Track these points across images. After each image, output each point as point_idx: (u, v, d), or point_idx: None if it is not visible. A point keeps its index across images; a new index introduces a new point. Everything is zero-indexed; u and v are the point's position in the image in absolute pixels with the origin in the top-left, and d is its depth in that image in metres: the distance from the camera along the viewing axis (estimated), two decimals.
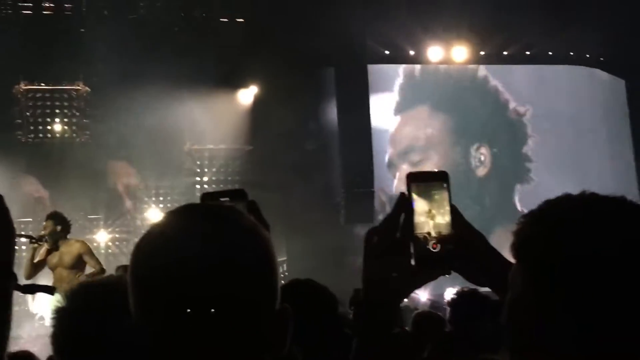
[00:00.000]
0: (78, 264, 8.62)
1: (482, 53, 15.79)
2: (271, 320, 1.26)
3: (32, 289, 8.08)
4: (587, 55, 16.55)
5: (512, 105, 16.45)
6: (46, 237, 8.46)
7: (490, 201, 15.77)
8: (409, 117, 15.94)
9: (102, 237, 14.27)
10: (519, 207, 15.72)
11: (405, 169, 15.36)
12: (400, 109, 15.95)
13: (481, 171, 16.13)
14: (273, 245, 1.30)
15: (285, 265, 14.85)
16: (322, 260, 12.61)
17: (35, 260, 8.51)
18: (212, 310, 1.19)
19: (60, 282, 8.46)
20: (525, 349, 1.29)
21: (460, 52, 15.51)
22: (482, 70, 16.29)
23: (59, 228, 8.61)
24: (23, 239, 8.58)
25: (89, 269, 8.73)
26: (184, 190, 14.90)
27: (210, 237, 1.24)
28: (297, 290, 2.80)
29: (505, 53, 15.89)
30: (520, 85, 16.49)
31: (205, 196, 1.50)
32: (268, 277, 1.27)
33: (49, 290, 8.26)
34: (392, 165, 15.66)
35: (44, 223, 8.71)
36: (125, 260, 14.17)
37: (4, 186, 13.82)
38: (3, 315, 1.55)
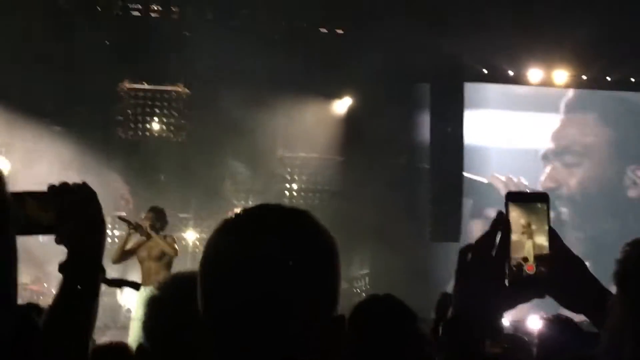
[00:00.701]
0: (164, 257, 8.75)
1: (584, 77, 15.39)
2: (324, 326, 1.26)
3: (119, 283, 8.27)
4: None
5: None
6: (145, 228, 8.62)
7: (633, 222, 15.36)
8: (575, 120, 16.04)
9: (190, 236, 14.58)
10: None
11: (557, 167, 15.84)
12: (569, 110, 16.02)
13: (632, 192, 15.91)
14: (337, 252, 1.31)
15: (367, 279, 14.83)
16: (405, 275, 12.53)
17: (127, 248, 8.66)
18: (264, 310, 1.21)
19: (149, 275, 8.62)
20: None
21: (561, 75, 15.16)
22: None
23: (157, 224, 8.79)
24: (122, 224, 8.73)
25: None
26: (273, 196, 15.05)
27: (272, 238, 1.26)
28: (375, 305, 2.78)
29: (608, 79, 15.42)
30: None
31: (510, 195, 1.46)
32: (328, 282, 1.28)
33: (135, 285, 8.46)
34: (545, 158, 15.92)
35: (145, 214, 8.92)
36: None
37: (99, 181, 14.32)
38: (90, 304, 1.64)
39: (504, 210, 1.43)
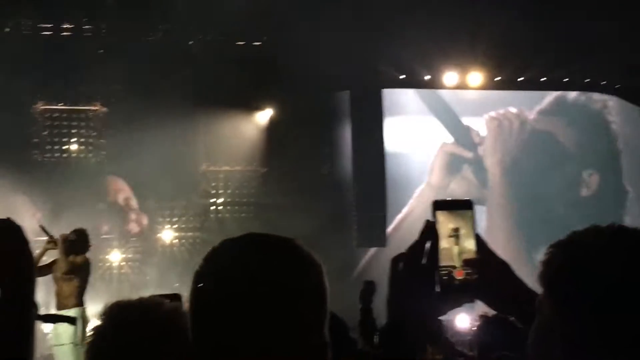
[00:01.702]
0: (73, 273, 8.56)
1: (498, 78, 15.80)
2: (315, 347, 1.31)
3: (54, 319, 8.02)
4: (603, 82, 16.50)
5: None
6: (65, 243, 8.46)
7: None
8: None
9: (115, 257, 14.30)
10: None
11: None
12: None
13: (584, 192, 16.33)
14: (324, 278, 1.40)
15: None
16: (333, 282, 12.58)
17: (40, 264, 8.33)
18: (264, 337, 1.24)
19: (61, 291, 8.47)
20: None
21: (476, 78, 15.53)
22: None
23: (77, 245, 8.67)
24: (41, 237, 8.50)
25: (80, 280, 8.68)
26: (199, 211, 14.94)
27: (263, 269, 1.31)
28: None
29: (520, 79, 15.88)
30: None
31: (436, 203, 1.48)
32: (317, 307, 1.34)
33: (70, 320, 8.23)
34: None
35: (69, 232, 8.73)
36: (137, 281, 14.22)
37: (15, 204, 13.92)
38: (27, 343, 1.61)
39: (432, 219, 1.46)
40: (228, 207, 15.20)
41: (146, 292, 1.40)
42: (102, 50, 13.84)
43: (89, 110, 14.48)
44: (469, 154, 15.95)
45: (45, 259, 8.65)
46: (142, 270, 14.25)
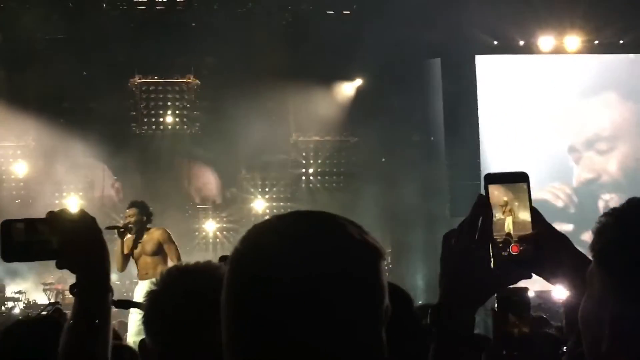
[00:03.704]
0: (160, 251, 8.43)
1: (597, 42, 15.20)
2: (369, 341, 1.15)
3: (127, 304, 8.14)
4: None
5: None
6: (130, 225, 8.28)
7: None
8: (596, 105, 15.59)
9: (210, 227, 14.63)
10: None
11: (590, 156, 15.44)
12: (585, 94, 15.59)
13: None
14: (381, 261, 1.18)
15: (390, 258, 14.81)
16: (426, 253, 12.51)
17: (126, 252, 8.34)
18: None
19: (145, 270, 8.50)
20: (599, 354, 1.23)
21: (573, 42, 14.99)
22: None
23: (144, 218, 8.45)
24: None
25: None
26: (290, 182, 15.09)
27: (308, 249, 1.13)
28: None
29: (621, 42, 15.22)
30: None
31: (488, 176, 1.42)
32: (368, 294, 1.15)
33: (142, 306, 8.33)
34: (574, 151, 15.51)
35: (128, 211, 8.51)
36: (231, 250, 14.62)
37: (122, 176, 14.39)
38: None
39: (484, 193, 1.41)
40: (319, 177, 15.28)
41: None
42: (194, 24, 14.05)
43: (182, 82, 14.76)
44: None
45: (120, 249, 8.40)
46: (236, 240, 14.50)
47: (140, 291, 8.46)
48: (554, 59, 15.35)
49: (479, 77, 14.84)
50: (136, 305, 2.10)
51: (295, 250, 1.13)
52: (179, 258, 8.48)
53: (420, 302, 8.84)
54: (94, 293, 1.69)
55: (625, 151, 15.51)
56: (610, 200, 15.20)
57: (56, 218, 1.68)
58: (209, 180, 15.09)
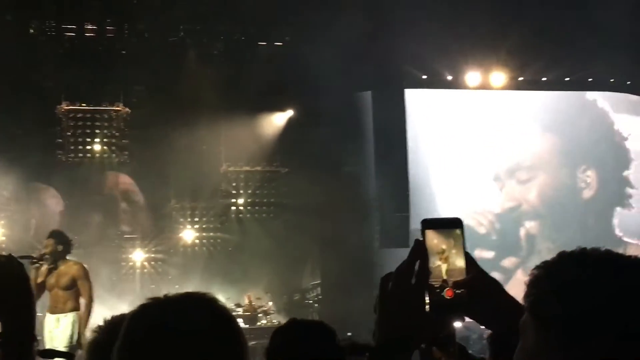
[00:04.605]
0: (73, 286, 8.31)
1: (521, 79, 15.69)
2: None
3: (52, 354, 7.94)
4: (629, 82, 16.34)
5: (616, 127, 16.61)
6: (46, 256, 8.18)
7: (594, 223, 15.97)
8: (518, 135, 16.19)
9: (138, 257, 14.39)
10: (617, 232, 16.06)
11: (512, 185, 16.01)
12: (509, 126, 16.20)
13: (586, 193, 16.32)
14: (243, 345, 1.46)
15: (319, 289, 14.82)
16: (356, 283, 12.56)
17: (38, 281, 8.13)
18: None
19: (55, 303, 8.30)
20: None
21: (499, 78, 15.43)
22: (591, 94, 16.56)
23: (60, 247, 8.33)
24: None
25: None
26: (220, 212, 14.99)
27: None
28: (292, 329, 2.79)
29: (544, 79, 15.76)
30: (624, 108, 16.61)
31: (425, 222, 1.49)
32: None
33: (68, 356, 8.15)
34: (498, 180, 16.06)
35: (45, 241, 8.41)
36: (159, 280, 14.27)
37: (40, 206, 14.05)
38: None
39: (420, 238, 1.46)
40: (249, 208, 15.23)
41: (171, 290, 1.44)
42: (124, 52, 13.92)
43: (111, 110, 14.56)
44: None
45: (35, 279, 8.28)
46: (164, 270, 14.33)
47: (49, 324, 8.27)
48: (481, 93, 15.80)
49: (408, 110, 15.10)
50: (63, 355, 2.06)
51: None
52: (91, 297, 8.35)
53: (349, 333, 8.86)
54: (18, 342, 1.65)
55: (545, 180, 16.06)
56: (530, 228, 15.71)
57: None
58: (137, 209, 14.85)
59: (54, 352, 2.13)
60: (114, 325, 1.87)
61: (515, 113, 16.31)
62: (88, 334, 7.71)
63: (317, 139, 13.68)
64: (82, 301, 8.45)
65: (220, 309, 1.43)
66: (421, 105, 15.73)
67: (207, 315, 1.40)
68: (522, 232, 15.72)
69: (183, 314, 1.38)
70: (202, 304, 1.43)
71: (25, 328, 1.67)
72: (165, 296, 1.45)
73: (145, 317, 1.41)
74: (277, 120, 15.12)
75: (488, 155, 15.98)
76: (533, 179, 16.11)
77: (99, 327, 1.89)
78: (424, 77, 15.37)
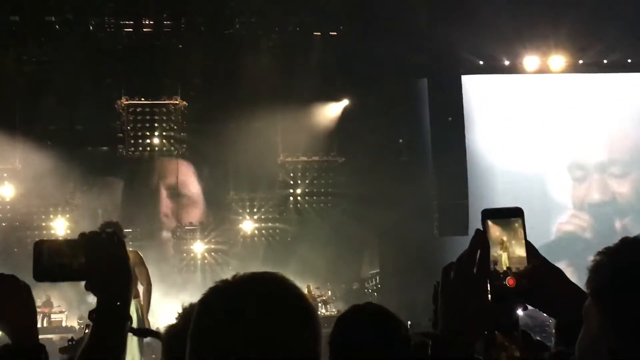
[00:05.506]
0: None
1: (581, 62, 15.34)
2: None
3: (145, 333, 8.09)
4: None
5: None
6: None
7: None
8: (611, 129, 15.78)
9: (198, 248, 14.58)
10: None
11: (604, 179, 15.71)
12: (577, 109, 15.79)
13: None
14: (317, 322, 1.41)
15: (377, 278, 14.81)
16: (414, 272, 12.50)
17: None
18: None
19: None
20: None
21: (558, 62, 15.12)
22: None
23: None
24: None
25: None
26: (278, 202, 15.08)
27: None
28: (355, 316, 2.75)
29: (605, 61, 15.37)
30: None
31: (485, 212, 1.50)
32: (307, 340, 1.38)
33: (158, 335, 8.29)
34: (578, 169, 15.82)
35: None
36: (219, 270, 14.43)
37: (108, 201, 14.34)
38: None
39: (481, 228, 1.46)
40: (306, 198, 15.28)
41: None
42: (181, 46, 14.09)
43: (170, 104, 14.76)
44: None
45: None
46: (224, 260, 14.49)
47: None
48: (541, 77, 15.48)
49: (465, 97, 14.92)
50: (154, 334, 2.11)
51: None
52: (149, 282, 8.50)
53: (409, 322, 8.83)
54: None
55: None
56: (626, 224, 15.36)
57: (87, 240, 1.69)
58: (196, 201, 15.06)
59: (147, 331, 2.19)
60: (192, 310, 1.91)
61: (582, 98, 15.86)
62: (150, 319, 7.91)
63: (373, 127, 13.64)
64: (141, 288, 8.63)
65: (292, 287, 1.42)
66: (478, 91, 15.49)
67: (278, 293, 1.39)
68: (617, 226, 15.39)
69: (255, 295, 1.38)
70: (274, 283, 1.42)
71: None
72: (234, 277, 1.45)
73: (216, 299, 1.41)
74: (333, 110, 15.11)
75: (556, 143, 15.60)
76: (628, 174, 15.71)
77: (178, 313, 1.92)
78: (481, 62, 15.15)
